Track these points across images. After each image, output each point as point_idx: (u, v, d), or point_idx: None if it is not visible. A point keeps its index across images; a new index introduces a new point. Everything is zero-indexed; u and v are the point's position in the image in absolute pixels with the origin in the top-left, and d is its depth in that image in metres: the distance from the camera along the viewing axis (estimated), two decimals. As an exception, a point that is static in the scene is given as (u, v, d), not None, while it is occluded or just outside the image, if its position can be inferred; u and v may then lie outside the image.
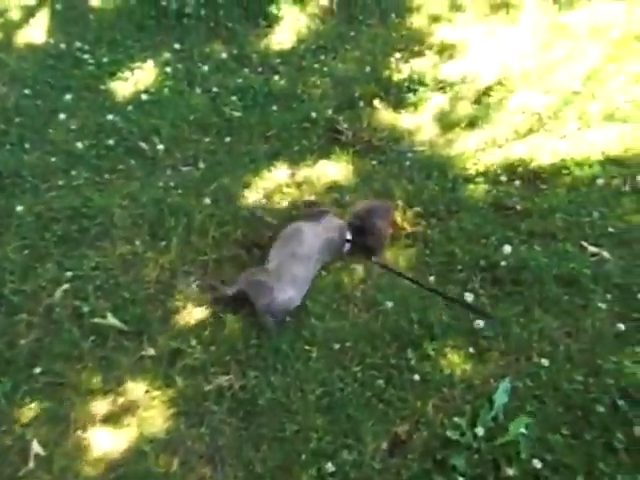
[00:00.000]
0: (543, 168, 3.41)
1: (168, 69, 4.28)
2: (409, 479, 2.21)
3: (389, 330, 2.67)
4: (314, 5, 4.90)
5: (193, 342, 2.65)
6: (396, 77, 4.22)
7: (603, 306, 2.70)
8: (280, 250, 2.85)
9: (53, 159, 3.54)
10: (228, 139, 3.76)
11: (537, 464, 2.17)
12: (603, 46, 4.24)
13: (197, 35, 4.62)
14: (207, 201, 3.28)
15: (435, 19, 4.80)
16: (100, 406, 2.45)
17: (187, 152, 3.65)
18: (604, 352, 2.53)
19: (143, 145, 3.66)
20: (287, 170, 3.54)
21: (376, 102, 4.02)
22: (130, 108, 3.93)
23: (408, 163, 3.56)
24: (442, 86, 4.17)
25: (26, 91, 4.02)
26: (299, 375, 2.52)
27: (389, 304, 2.76)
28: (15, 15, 4.72)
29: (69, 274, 2.91)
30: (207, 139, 3.76)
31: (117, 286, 2.88)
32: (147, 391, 2.49)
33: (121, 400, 2.47)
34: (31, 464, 2.27)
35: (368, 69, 4.33)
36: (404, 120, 3.92)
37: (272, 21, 4.77)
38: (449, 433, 2.27)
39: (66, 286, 2.86)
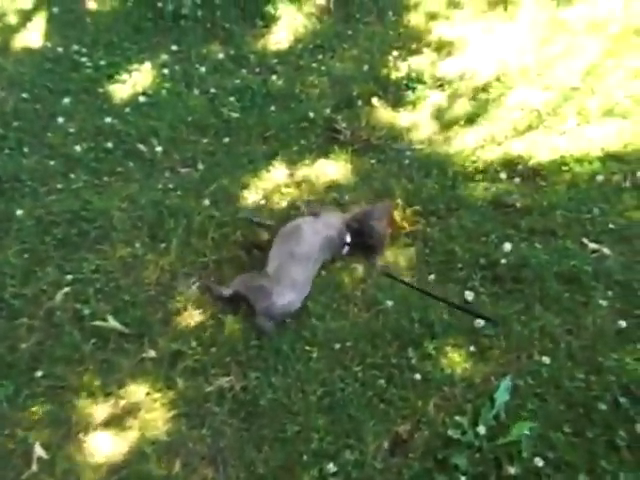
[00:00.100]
0: (543, 165, 3.40)
1: (165, 71, 4.27)
2: (411, 478, 2.22)
3: (390, 329, 2.67)
4: (311, 4, 4.88)
5: (194, 344, 2.66)
6: (394, 75, 4.20)
7: (604, 303, 2.70)
8: (279, 250, 2.86)
9: (52, 163, 3.53)
10: (226, 140, 3.75)
11: (539, 462, 2.17)
12: (602, 41, 4.22)
13: (194, 36, 4.61)
14: (206, 202, 3.28)
15: (432, 16, 4.77)
16: (101, 409, 2.46)
17: (186, 154, 3.65)
18: (605, 349, 2.53)
19: (141, 147, 3.66)
20: (286, 170, 3.54)
21: (374, 101, 4.01)
22: (128, 110, 3.92)
23: (407, 161, 3.55)
24: (440, 84, 4.15)
25: (24, 95, 4.01)
26: (300, 376, 2.53)
27: (389, 303, 2.77)
28: (12, 19, 4.71)
29: (69, 277, 2.91)
30: (205, 140, 3.75)
31: (117, 289, 2.88)
32: (148, 393, 2.50)
33: (122, 402, 2.48)
34: (34, 467, 2.29)
35: (366, 68, 4.31)
36: (403, 118, 3.90)
37: (269, 21, 4.75)
38: (450, 432, 2.28)
39: (66, 289, 2.86)
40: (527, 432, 2.23)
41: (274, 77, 4.25)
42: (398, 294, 2.81)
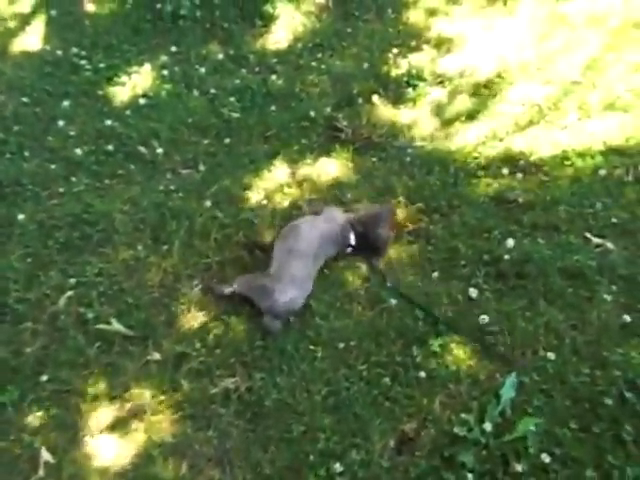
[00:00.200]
0: (544, 160, 3.39)
1: (165, 72, 4.27)
2: (417, 477, 2.21)
3: (394, 328, 2.66)
4: (310, 3, 4.88)
5: (198, 345, 2.66)
6: (394, 73, 4.20)
7: (608, 297, 2.69)
8: (279, 250, 2.86)
9: (53, 166, 3.53)
10: (227, 140, 3.74)
11: (546, 458, 2.17)
12: (602, 35, 4.21)
13: (193, 37, 4.60)
14: (208, 203, 3.28)
15: (432, 13, 4.77)
16: (107, 412, 2.46)
17: (187, 155, 3.65)
18: (610, 344, 2.53)
19: (142, 149, 3.65)
20: (287, 170, 3.53)
21: (375, 98, 4.00)
22: (128, 113, 3.92)
23: (409, 159, 3.54)
24: (441, 80, 4.14)
25: (24, 99, 4.02)
26: (305, 375, 2.52)
27: (393, 301, 2.76)
28: (10, 23, 4.71)
29: (73, 281, 2.91)
30: (206, 141, 3.74)
31: (121, 291, 2.88)
32: (153, 396, 2.50)
33: (128, 405, 2.48)
34: (41, 472, 2.29)
35: (366, 65, 4.31)
36: (403, 116, 3.90)
37: (268, 20, 4.74)
38: (457, 429, 2.27)
39: (70, 293, 2.86)
40: (533, 428, 2.22)
41: (274, 76, 4.24)
42: (402, 292, 2.80)
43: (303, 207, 3.25)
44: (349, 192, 3.34)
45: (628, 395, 2.32)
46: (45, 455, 2.32)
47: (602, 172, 3.28)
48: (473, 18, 4.66)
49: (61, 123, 3.84)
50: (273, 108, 3.98)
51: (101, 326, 2.71)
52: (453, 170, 3.42)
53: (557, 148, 3.45)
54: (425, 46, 4.46)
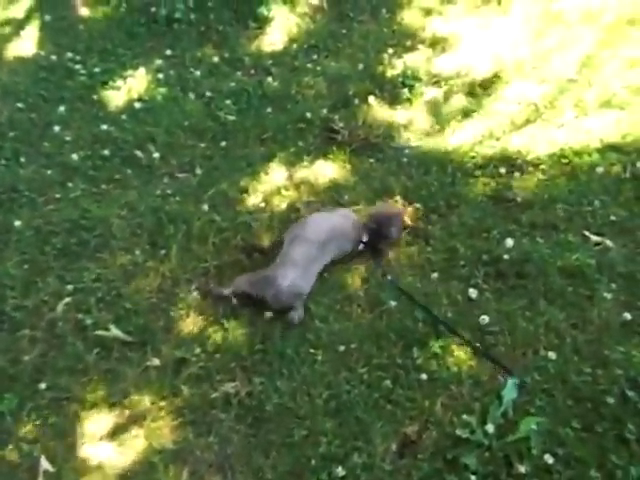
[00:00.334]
0: (542, 159, 3.38)
1: (160, 76, 4.26)
2: (420, 480, 2.20)
3: (394, 330, 2.65)
4: (304, 4, 4.87)
5: (197, 350, 2.64)
6: (390, 73, 4.19)
7: (608, 296, 2.68)
8: (286, 240, 2.87)
9: (49, 172, 3.52)
10: (224, 143, 3.73)
11: (549, 459, 2.15)
12: (596, 32, 4.21)
13: (188, 40, 4.60)
14: (205, 207, 3.27)
15: (426, 12, 4.76)
16: (107, 419, 2.44)
17: (183, 159, 3.63)
18: (611, 342, 2.51)
19: (139, 154, 3.64)
20: (284, 172, 3.52)
21: (371, 99, 3.99)
22: (124, 117, 3.91)
23: (406, 159, 3.53)
24: (436, 80, 4.12)
25: (19, 105, 4.01)
26: (305, 379, 2.51)
27: (393, 303, 2.75)
28: (4, 29, 4.70)
29: (70, 287, 2.90)
30: (203, 144, 3.73)
31: (119, 297, 2.87)
32: (153, 402, 2.48)
33: (128, 412, 2.46)
34: (40, 480, 2.27)
35: (361, 66, 4.30)
36: (400, 116, 3.89)
37: (263, 22, 4.74)
38: (459, 431, 2.26)
39: (68, 299, 2.85)
40: (535, 428, 2.21)
41: (269, 79, 4.24)
42: (401, 294, 2.79)
43: (301, 209, 3.24)
44: (347, 194, 3.33)
45: (630, 394, 2.31)
46: (44, 464, 2.30)
47: (599, 170, 3.27)
48: (468, 17, 4.65)
49: (57, 128, 3.83)
50: (269, 110, 3.97)
51: (100, 332, 2.70)
52: (450, 170, 3.41)
53: (554, 146, 3.44)
54: (420, 46, 4.46)
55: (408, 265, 2.95)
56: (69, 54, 4.46)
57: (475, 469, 2.16)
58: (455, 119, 3.80)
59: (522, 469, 2.14)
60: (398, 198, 3.23)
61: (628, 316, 2.59)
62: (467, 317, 2.68)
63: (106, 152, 3.65)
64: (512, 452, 2.20)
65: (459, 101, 3.93)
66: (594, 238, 2.94)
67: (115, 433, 2.40)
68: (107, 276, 2.95)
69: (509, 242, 2.92)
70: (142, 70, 4.30)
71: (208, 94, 4.10)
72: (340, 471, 2.21)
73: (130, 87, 4.16)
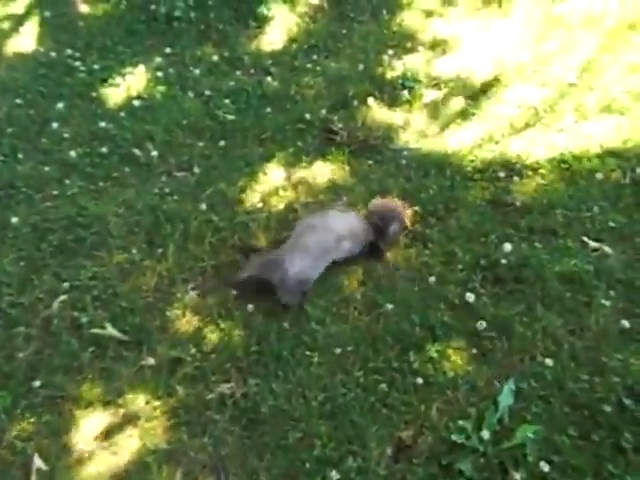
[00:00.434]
0: (541, 163, 3.37)
1: (160, 74, 4.25)
2: (415, 485, 2.19)
3: (390, 333, 2.64)
4: (304, 4, 4.87)
5: (193, 350, 2.63)
6: (389, 74, 4.18)
7: (607, 303, 2.67)
8: (299, 225, 2.90)
9: (47, 169, 3.51)
10: (222, 143, 3.72)
11: (545, 467, 2.14)
12: (597, 36, 4.21)
13: (188, 38, 4.59)
14: (203, 207, 3.25)
15: (427, 14, 4.76)
16: (101, 418, 2.43)
17: (181, 157, 3.62)
18: (609, 350, 2.50)
19: (137, 152, 3.63)
20: (283, 172, 3.51)
21: (370, 100, 3.98)
22: (123, 114, 3.90)
23: (404, 162, 3.52)
24: (436, 82, 4.12)
25: (18, 101, 3.99)
26: (301, 381, 2.49)
27: (389, 306, 2.74)
28: (4, 24, 4.68)
29: (66, 285, 2.88)
30: (201, 143, 3.72)
31: (115, 296, 2.85)
32: (148, 401, 2.47)
33: (122, 411, 2.44)
34: (33, 479, 2.25)
35: (361, 67, 4.29)
36: (399, 118, 3.88)
37: (263, 22, 4.73)
38: (454, 437, 2.24)
39: (64, 297, 2.83)
40: (531, 435, 2.20)
41: (269, 78, 4.22)
42: (398, 296, 2.79)
43: (299, 210, 3.23)
44: (345, 195, 3.32)
45: (627, 402, 2.30)
46: (38, 462, 2.29)
47: (599, 175, 3.26)
48: (468, 19, 4.65)
49: (55, 125, 3.81)
50: (268, 110, 3.96)
51: (95, 330, 2.68)
52: (449, 173, 3.40)
53: (554, 151, 3.44)
54: (420, 48, 4.45)
55: (405, 268, 2.94)
56: (68, 51, 4.44)
57: (470, 475, 2.15)
58: (454, 122, 3.80)
59: (517, 476, 2.13)
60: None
61: (626, 324, 2.58)
62: (464, 322, 2.66)
63: (104, 150, 3.63)
64: (507, 459, 2.19)
65: (459, 104, 3.93)
66: (593, 244, 2.93)
67: (109, 432, 2.38)
68: (103, 274, 2.94)
69: (507, 247, 2.91)
70: (141, 68, 4.29)
71: (207, 93, 4.09)
72: (334, 475, 2.19)
73: (129, 85, 4.15)
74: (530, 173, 3.34)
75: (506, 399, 2.31)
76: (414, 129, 3.79)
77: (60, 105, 3.97)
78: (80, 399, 2.48)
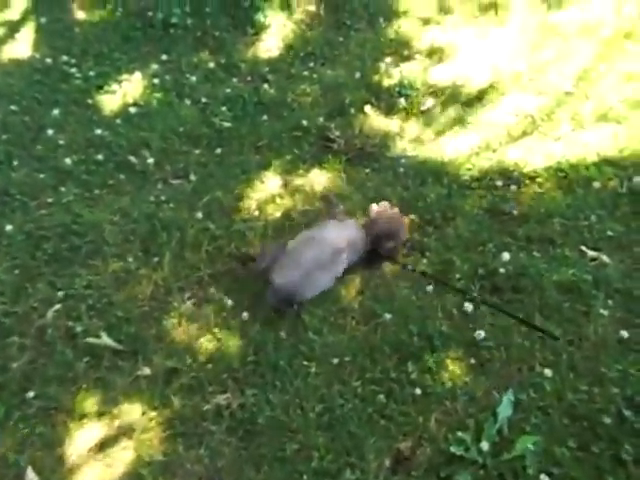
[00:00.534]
0: (538, 172, 3.36)
1: (156, 80, 4.23)
2: (414, 497, 2.17)
3: (388, 343, 2.62)
4: (301, 11, 4.86)
5: (189, 360, 2.60)
6: (386, 82, 4.18)
7: (605, 312, 2.65)
8: (302, 234, 2.90)
9: (42, 176, 3.48)
10: (219, 150, 3.70)
11: (544, 479, 2.12)
12: (594, 45, 4.21)
13: (184, 45, 4.57)
14: (199, 215, 3.23)
15: (424, 22, 4.76)
16: (95, 429, 2.39)
17: (178, 165, 3.60)
18: (608, 360, 2.48)
19: (133, 159, 3.61)
20: (279, 180, 3.49)
21: (367, 108, 3.98)
22: (119, 122, 3.88)
23: (402, 170, 3.51)
24: (433, 90, 4.11)
25: (13, 107, 3.97)
26: (298, 392, 2.47)
27: (387, 316, 2.72)
28: (-1, 30, 4.67)
29: (61, 294, 2.86)
30: (197, 151, 3.70)
31: (110, 305, 2.82)
32: (143, 412, 2.44)
33: (117, 422, 2.41)
34: (26, 492, 2.23)
35: (358, 75, 4.28)
36: (396, 126, 3.87)
37: (259, 29, 4.72)
38: (453, 448, 2.22)
39: (58, 306, 2.80)
40: (531, 447, 2.18)
41: (266, 85, 4.21)
42: (396, 306, 2.77)
43: (296, 218, 3.22)
44: (342, 203, 3.29)
45: (627, 413, 2.28)
46: (31, 475, 2.25)
47: (596, 184, 3.25)
48: (465, 27, 4.65)
49: (50, 132, 3.79)
50: (265, 118, 3.95)
51: (90, 340, 2.66)
52: (447, 181, 3.39)
53: (551, 159, 3.43)
54: (417, 55, 4.45)
55: (403, 277, 2.92)
56: (64, 57, 4.42)
57: (469, 487, 2.13)
58: (451, 130, 3.79)
59: (517, 489, 2.12)
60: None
61: (625, 334, 2.56)
62: (462, 332, 2.65)
63: (100, 157, 3.61)
64: (507, 471, 2.16)
65: (456, 112, 3.92)
66: (591, 253, 2.92)
67: (104, 444, 2.35)
68: (99, 283, 2.91)
69: (505, 256, 2.90)
70: (138, 74, 4.28)
71: (204, 100, 4.08)
72: (332, 487, 2.18)
73: (125, 91, 4.13)
74: (527, 182, 3.33)
75: (505, 410, 2.29)
76: (411, 137, 3.79)
77: (55, 112, 3.95)
78: (74, 410, 2.45)
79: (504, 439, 2.24)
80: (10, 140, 3.73)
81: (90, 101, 4.06)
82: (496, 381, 2.47)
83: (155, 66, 4.37)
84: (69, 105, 4.03)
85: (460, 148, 3.63)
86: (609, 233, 3.01)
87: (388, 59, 4.42)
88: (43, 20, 4.77)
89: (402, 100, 4.02)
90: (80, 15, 4.83)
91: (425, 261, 2.98)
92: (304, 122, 3.85)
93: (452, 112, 3.93)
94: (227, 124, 3.89)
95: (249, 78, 4.33)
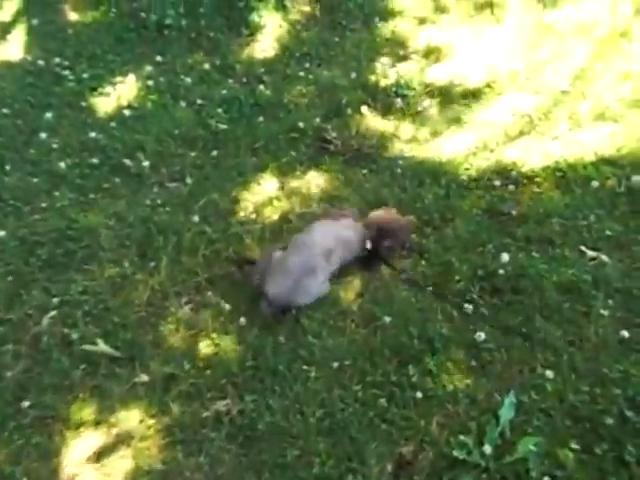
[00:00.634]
0: (536, 171, 3.35)
1: (150, 82, 4.20)
2: (416, 502, 2.15)
3: (389, 346, 2.60)
4: (296, 12, 4.84)
5: (187, 366, 2.58)
6: (383, 82, 4.16)
7: (605, 312, 2.64)
8: (291, 240, 2.87)
9: (35, 180, 3.45)
10: (215, 153, 3.68)
11: (548, 482, 2.11)
12: (589, 44, 4.20)
13: (179, 46, 4.54)
14: (196, 218, 3.21)
15: (420, 21, 4.75)
16: (92, 439, 2.37)
17: (173, 168, 3.57)
18: (609, 360, 2.47)
19: (128, 162, 3.58)
20: (276, 182, 3.47)
21: (364, 109, 3.96)
22: (113, 124, 3.85)
23: (399, 170, 3.49)
24: (430, 90, 4.11)
25: (5, 110, 3.93)
26: (298, 397, 2.45)
27: (387, 319, 2.70)
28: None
29: (56, 300, 2.83)
30: (193, 153, 3.67)
31: (106, 311, 2.79)
32: (141, 420, 2.41)
33: (115, 431, 2.39)
34: (22, 504, 2.20)
35: (354, 75, 4.26)
36: (393, 126, 3.85)
37: (254, 29, 4.70)
38: (455, 452, 2.20)
39: (53, 313, 2.78)
40: (534, 448, 2.16)
41: (261, 87, 4.19)
42: (396, 309, 2.75)
43: (293, 220, 3.20)
44: (340, 205, 3.28)
45: (629, 414, 2.27)
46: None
47: (594, 183, 3.24)
48: (461, 27, 4.65)
49: (43, 135, 3.76)
50: (261, 119, 3.93)
51: (86, 347, 2.63)
52: (445, 182, 3.37)
53: (549, 159, 3.42)
54: (413, 55, 4.45)
55: (402, 279, 2.90)
56: (57, 59, 4.39)
57: (473, 491, 2.11)
58: (449, 130, 3.79)
59: (521, 492, 2.10)
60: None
61: (626, 334, 2.55)
62: (463, 334, 2.63)
63: (94, 160, 3.58)
64: (510, 474, 2.15)
65: (452, 111, 3.92)
66: (590, 253, 2.91)
67: (101, 453, 2.32)
68: (94, 289, 2.88)
69: (505, 257, 2.88)
70: (132, 77, 4.25)
71: (199, 102, 4.05)
72: (334, 493, 2.16)
73: (119, 94, 4.10)
74: (526, 181, 3.32)
75: (507, 412, 2.27)
76: (408, 137, 3.78)
77: (49, 115, 3.91)
78: (71, 419, 2.42)
79: (506, 442, 2.22)
80: (2, 144, 3.70)
81: (84, 104, 4.03)
82: (497, 383, 2.45)
83: (149, 68, 4.34)
84: (62, 108, 4.00)
85: (457, 148, 3.61)
86: (608, 232, 2.99)
87: (384, 59, 4.41)
88: (35, 22, 4.73)
89: (399, 100, 4.01)
90: (73, 16, 4.80)
91: (424, 263, 2.95)
92: (300, 123, 3.83)
93: (449, 112, 3.92)
94: (223, 126, 3.86)
95: (245, 79, 4.30)
